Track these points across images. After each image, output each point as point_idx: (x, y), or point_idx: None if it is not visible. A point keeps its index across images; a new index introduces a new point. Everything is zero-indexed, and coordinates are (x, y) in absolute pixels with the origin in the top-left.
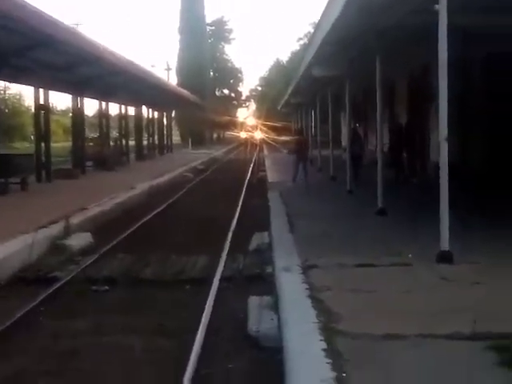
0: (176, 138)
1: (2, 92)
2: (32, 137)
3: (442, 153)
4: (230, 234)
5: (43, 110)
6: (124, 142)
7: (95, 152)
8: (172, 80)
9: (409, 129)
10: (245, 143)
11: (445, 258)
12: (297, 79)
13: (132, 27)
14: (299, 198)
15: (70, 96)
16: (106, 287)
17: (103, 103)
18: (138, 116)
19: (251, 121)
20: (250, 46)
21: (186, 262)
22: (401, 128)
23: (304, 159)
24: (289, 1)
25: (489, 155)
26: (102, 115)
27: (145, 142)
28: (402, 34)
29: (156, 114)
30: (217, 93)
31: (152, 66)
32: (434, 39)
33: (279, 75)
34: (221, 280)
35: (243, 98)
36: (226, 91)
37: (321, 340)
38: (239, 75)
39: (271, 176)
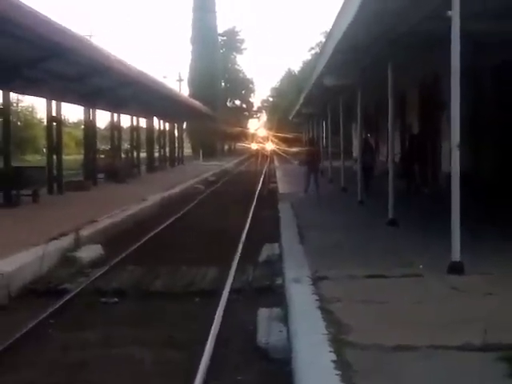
0: (187, 149)
1: (15, 104)
2: (44, 149)
3: (453, 159)
4: (240, 246)
5: (55, 121)
6: (135, 153)
7: (106, 164)
8: (184, 91)
9: (420, 139)
10: (256, 155)
11: (456, 268)
12: (308, 88)
13: (144, 38)
14: (310, 209)
15: (82, 108)
16: (116, 299)
17: (115, 115)
18: (150, 128)
19: (262, 132)
20: (262, 56)
21: (196, 273)
22: (413, 138)
23: (315, 170)
24: (300, 11)
25: (500, 165)
26: (114, 127)
27: (156, 154)
28: (414, 40)
29: (167, 126)
30: (228, 104)
31: (164, 77)
32: (446, 47)
33: (291, 85)
34: (230, 292)
35: (255, 108)
36: (237, 102)
37: (330, 351)
38: (251, 86)
39: (282, 187)
